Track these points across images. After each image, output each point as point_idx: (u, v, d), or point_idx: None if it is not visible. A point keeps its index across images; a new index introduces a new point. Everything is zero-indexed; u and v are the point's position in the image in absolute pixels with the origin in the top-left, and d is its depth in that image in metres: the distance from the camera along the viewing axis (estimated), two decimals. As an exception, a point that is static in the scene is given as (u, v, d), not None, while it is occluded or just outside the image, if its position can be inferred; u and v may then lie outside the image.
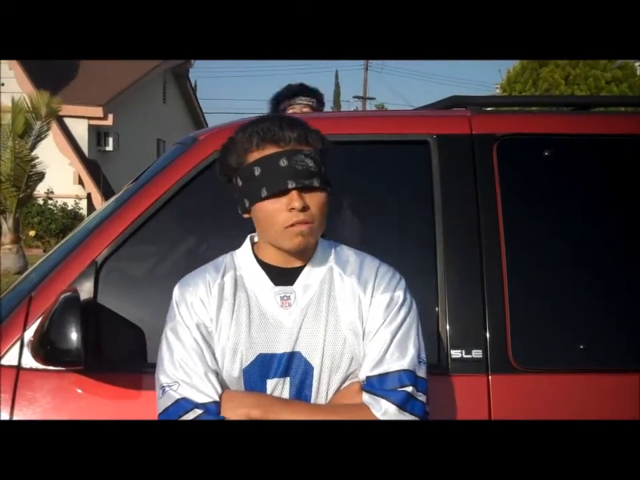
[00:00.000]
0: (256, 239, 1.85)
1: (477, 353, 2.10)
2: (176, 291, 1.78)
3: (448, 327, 2.12)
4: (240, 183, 1.76)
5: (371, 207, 2.32)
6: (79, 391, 2.03)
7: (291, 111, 3.39)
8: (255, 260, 1.79)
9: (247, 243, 1.85)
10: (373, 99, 41.07)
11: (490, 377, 2.09)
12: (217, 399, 1.67)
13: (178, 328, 1.73)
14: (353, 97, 41.64)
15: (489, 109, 2.53)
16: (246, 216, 1.79)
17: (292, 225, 1.68)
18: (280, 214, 1.69)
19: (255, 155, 1.72)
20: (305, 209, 1.68)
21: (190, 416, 1.65)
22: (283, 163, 1.68)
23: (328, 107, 4.61)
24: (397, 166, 2.34)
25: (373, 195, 2.32)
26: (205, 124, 27.10)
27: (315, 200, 1.71)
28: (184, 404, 1.66)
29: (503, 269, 2.16)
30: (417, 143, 2.30)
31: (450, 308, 2.13)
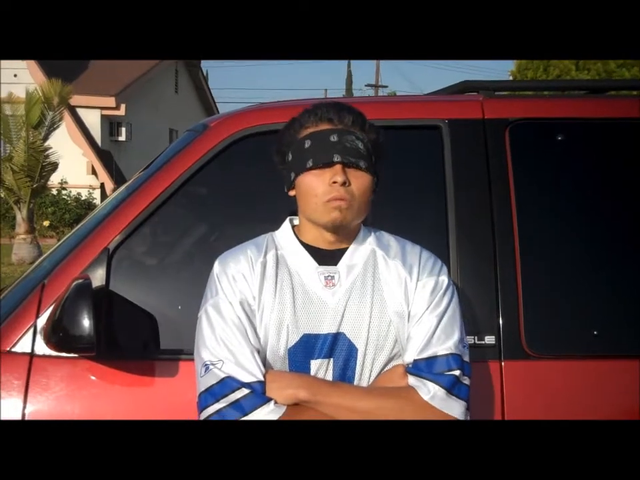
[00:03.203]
0: (295, 222, 1.86)
1: (489, 339, 2.09)
2: (216, 266, 1.77)
3: (461, 313, 2.10)
4: (290, 158, 1.78)
5: (383, 192, 2.31)
6: (92, 377, 2.04)
7: None
8: (297, 240, 1.80)
9: (286, 224, 1.85)
10: (386, 87, 40.96)
11: (503, 363, 2.08)
12: (262, 378, 1.66)
13: (220, 304, 1.72)
14: (365, 85, 41.58)
15: (501, 93, 2.51)
16: (291, 193, 1.80)
17: (331, 200, 1.69)
18: (321, 186, 1.70)
19: (309, 130, 1.75)
20: (346, 184, 1.69)
21: (237, 395, 1.63)
22: (334, 138, 1.72)
23: (340, 94, 4.58)
24: (409, 151, 2.33)
25: (385, 180, 2.31)
26: (217, 113, 27.07)
27: (358, 180, 1.72)
28: (230, 382, 1.64)
29: (516, 254, 2.14)
30: (429, 128, 2.29)
31: (462, 294, 2.12)
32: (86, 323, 1.86)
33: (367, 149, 1.75)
